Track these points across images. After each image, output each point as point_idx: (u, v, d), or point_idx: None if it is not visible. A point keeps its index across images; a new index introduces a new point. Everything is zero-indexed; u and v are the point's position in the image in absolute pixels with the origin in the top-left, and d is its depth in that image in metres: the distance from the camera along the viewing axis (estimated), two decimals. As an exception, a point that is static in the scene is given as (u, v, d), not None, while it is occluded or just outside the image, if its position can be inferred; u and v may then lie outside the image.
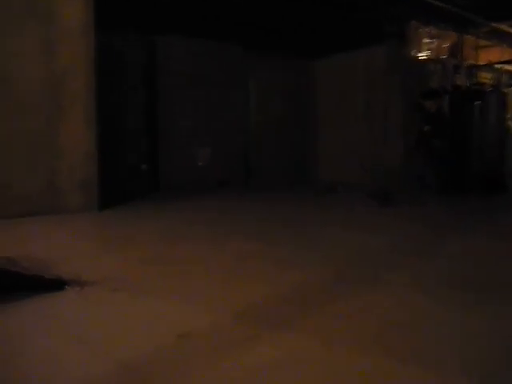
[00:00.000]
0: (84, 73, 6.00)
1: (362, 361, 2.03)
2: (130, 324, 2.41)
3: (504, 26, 8.94)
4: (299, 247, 4.11)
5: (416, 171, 8.18)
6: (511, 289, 3.04)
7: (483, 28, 9.08)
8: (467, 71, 9.32)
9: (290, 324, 2.39)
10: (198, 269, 3.42)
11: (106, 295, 2.83)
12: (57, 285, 2.86)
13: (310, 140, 10.73)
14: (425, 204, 6.80)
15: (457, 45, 9.20)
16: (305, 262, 3.61)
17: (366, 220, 5.59)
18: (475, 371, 1.94)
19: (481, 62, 9.61)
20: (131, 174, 8.05)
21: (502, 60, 9.64)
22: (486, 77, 9.66)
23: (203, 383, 1.85)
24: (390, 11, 7.95)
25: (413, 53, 8.78)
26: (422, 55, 8.83)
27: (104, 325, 2.38)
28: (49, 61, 5.76)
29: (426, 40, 8.79)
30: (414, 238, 4.53)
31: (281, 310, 2.60)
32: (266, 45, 9.14)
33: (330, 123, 10.36)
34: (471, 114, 7.88)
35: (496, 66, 9.70)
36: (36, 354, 2.04)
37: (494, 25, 8.81)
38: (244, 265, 3.53)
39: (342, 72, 10.00)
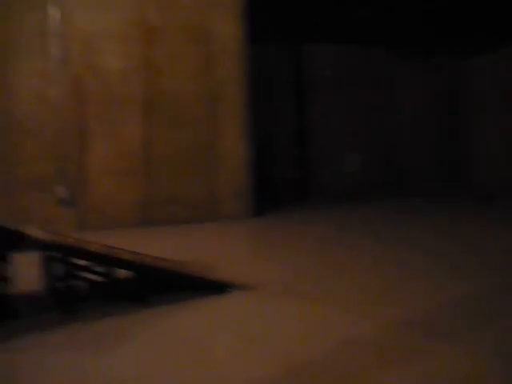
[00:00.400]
0: (238, 85, 6.29)
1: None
2: (294, 327, 2.43)
3: None
4: (463, 258, 3.86)
5: None
6: None
7: None
8: None
9: (459, 337, 2.24)
10: (352, 276, 3.38)
11: (267, 299, 2.90)
12: (221, 288, 3.00)
13: (463, 139, 10.09)
14: None
15: None
16: (471, 272, 3.38)
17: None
18: None
19: None
20: (283, 182, 8.24)
21: None
22: None
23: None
24: None
25: None
26: None
27: (268, 327, 2.44)
28: (208, 77, 6.13)
29: None
30: None
31: (446, 322, 2.45)
32: (411, 44, 8.81)
33: (488, 122, 9.65)
34: None
35: None
36: (215, 353, 2.15)
37: None
38: (404, 275, 3.40)
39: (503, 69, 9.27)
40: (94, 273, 2.99)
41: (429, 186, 9.41)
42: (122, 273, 2.95)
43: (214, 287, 2.98)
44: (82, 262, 2.82)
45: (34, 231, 2.66)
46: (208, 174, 6.18)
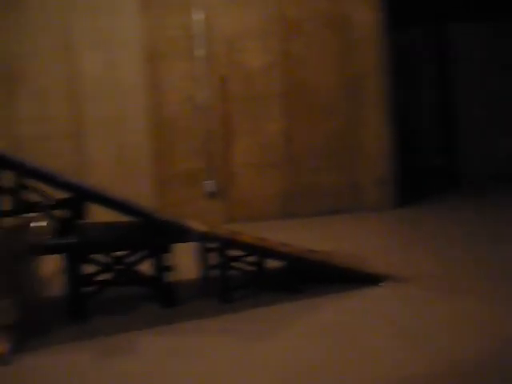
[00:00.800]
0: (379, 72, 6.12)
1: None
2: (453, 324, 2.33)
3: None
4: None
5: None
6: None
7: None
8: None
9: None
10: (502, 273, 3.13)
11: (420, 293, 2.81)
12: (372, 280, 2.96)
13: None
14: None
15: None
16: None
17: None
18: None
19: None
20: (427, 171, 7.88)
21: None
22: None
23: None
24: None
25: None
26: None
27: (427, 322, 2.36)
28: (348, 66, 6.06)
29: None
30: None
31: None
32: None
33: None
34: None
35: None
36: (375, 348, 2.13)
37: None
38: None
39: None
40: (247, 263, 3.12)
41: None
42: (274, 263, 3.04)
43: (365, 279, 2.95)
44: (236, 253, 2.95)
45: (193, 224, 2.84)
46: (349, 163, 6.10)
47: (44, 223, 2.79)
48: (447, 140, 8.08)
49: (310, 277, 3.06)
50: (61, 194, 2.77)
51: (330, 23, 5.99)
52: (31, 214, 2.85)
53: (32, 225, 2.82)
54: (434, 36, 8.18)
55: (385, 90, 6.14)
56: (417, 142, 7.85)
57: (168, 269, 2.76)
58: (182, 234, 2.70)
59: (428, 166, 7.87)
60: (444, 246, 3.97)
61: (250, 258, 3.14)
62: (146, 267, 2.85)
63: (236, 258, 3.01)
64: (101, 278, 2.82)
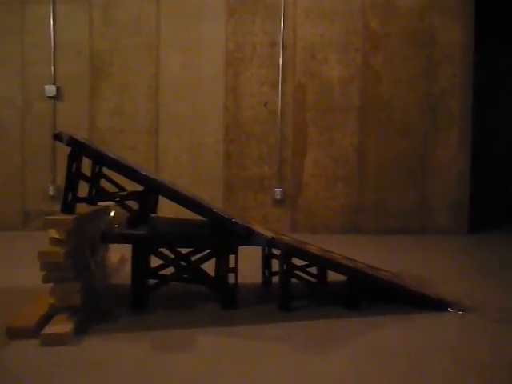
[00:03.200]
0: (462, 93, 5.93)
1: None
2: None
3: None
4: None
5: None
6: None
7: None
8: None
9: None
10: None
11: (487, 324, 2.66)
12: (440, 305, 2.84)
13: None
14: None
15: None
16: None
17: None
18: None
19: None
20: (502, 198, 7.52)
21: None
22: None
23: None
24: None
25: None
26: None
27: (491, 354, 2.23)
28: (428, 84, 5.90)
29: None
30: None
31: None
32: None
33: None
34: None
35: None
36: (431, 375, 2.04)
37: None
38: None
39: None
40: (310, 274, 3.08)
41: None
42: (336, 277, 2.99)
43: (432, 304, 2.84)
44: (299, 262, 2.92)
45: (259, 227, 2.84)
46: (422, 183, 5.93)
47: (117, 213, 2.88)
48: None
49: (372, 295, 2.98)
50: (135, 187, 2.84)
51: (414, 39, 5.88)
52: (105, 203, 2.96)
53: (105, 213, 2.92)
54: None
55: (466, 112, 5.94)
56: (496, 166, 7.51)
57: (231, 270, 2.77)
58: (248, 236, 2.70)
59: (505, 192, 7.51)
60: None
61: (313, 269, 3.11)
62: (210, 267, 2.87)
63: (299, 267, 2.98)
64: (165, 272, 2.87)
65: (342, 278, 2.92)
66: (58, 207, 2.70)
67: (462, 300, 2.99)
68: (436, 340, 2.41)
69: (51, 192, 5.74)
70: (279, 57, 5.81)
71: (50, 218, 2.46)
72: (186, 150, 5.86)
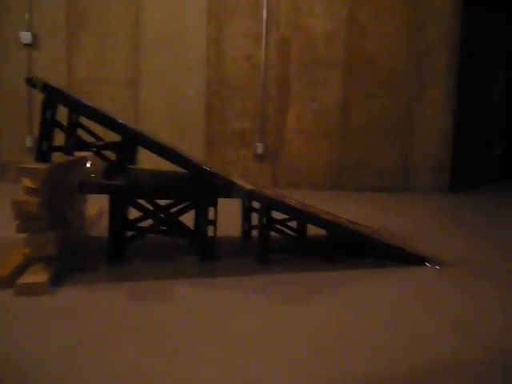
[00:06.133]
0: (447, 52, 5.86)
1: None
2: (491, 311, 2.22)
3: None
4: None
5: None
6: None
7: None
8: None
9: None
10: None
11: (464, 278, 2.70)
12: (418, 260, 2.87)
13: None
14: None
15: None
16: None
17: None
18: None
19: None
20: (483, 158, 7.57)
21: None
22: None
23: None
24: None
25: None
26: None
27: (469, 309, 2.26)
28: (415, 41, 5.81)
29: None
30: None
31: None
32: None
33: None
34: None
35: None
36: (412, 326, 2.06)
37: None
38: None
39: None
40: (289, 228, 3.07)
41: None
42: (316, 231, 2.99)
43: (409, 259, 2.86)
44: (279, 215, 2.90)
45: (240, 181, 2.80)
46: (406, 142, 5.93)
47: (94, 163, 2.81)
48: (508, 128, 7.71)
49: (352, 250, 3.00)
50: (113, 137, 2.77)
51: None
52: (82, 153, 2.88)
53: (82, 163, 2.85)
54: (509, 21, 7.73)
55: (451, 71, 5.88)
56: (478, 127, 7.51)
57: (211, 223, 2.75)
58: (228, 188, 2.66)
59: (486, 154, 7.56)
60: (491, 235, 3.83)
61: (293, 223, 3.10)
62: (188, 220, 2.84)
63: (278, 221, 2.96)
64: (144, 224, 2.83)
65: (321, 232, 2.92)
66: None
67: (440, 255, 3.02)
68: (413, 292, 2.43)
69: (28, 143, 5.61)
70: (263, 8, 5.65)
71: (23, 166, 2.39)
72: (167, 103, 5.74)
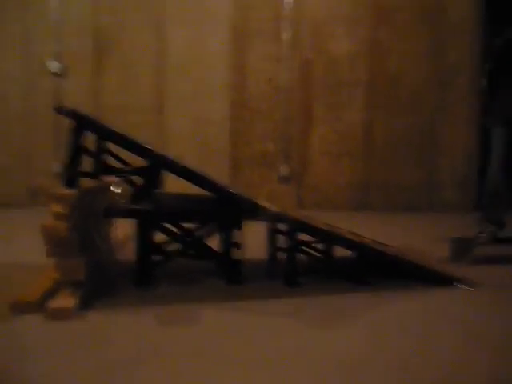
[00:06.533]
0: (471, 69, 5.82)
1: None
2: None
3: None
4: None
5: None
6: None
7: None
8: None
9: None
10: None
11: (495, 299, 2.63)
12: (448, 281, 2.81)
13: None
14: None
15: None
16: None
17: None
18: None
19: None
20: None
21: None
22: None
23: None
24: None
25: None
26: None
27: (501, 331, 2.20)
28: (437, 60, 5.79)
29: None
30: None
31: None
32: None
33: None
34: None
35: None
36: (439, 349, 2.02)
37: None
38: None
39: None
40: (316, 250, 3.05)
41: None
42: (343, 253, 2.96)
43: (439, 280, 2.81)
44: (306, 237, 2.89)
45: (265, 203, 2.80)
46: (430, 160, 5.86)
47: (121, 188, 2.85)
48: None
49: (379, 271, 2.95)
50: (140, 162, 2.81)
51: (423, 14, 5.75)
52: (110, 178, 2.92)
53: (109, 188, 2.89)
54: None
55: (476, 89, 5.84)
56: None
57: (237, 245, 2.74)
58: (253, 211, 2.66)
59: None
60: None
61: (319, 245, 3.07)
62: (215, 243, 2.84)
63: (305, 243, 2.95)
64: (170, 248, 2.84)
65: (348, 253, 2.89)
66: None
67: (469, 276, 2.96)
68: (445, 315, 2.38)
69: (55, 169, 5.71)
70: (285, 31, 5.70)
71: (53, 192, 2.43)
72: (192, 128, 5.80)
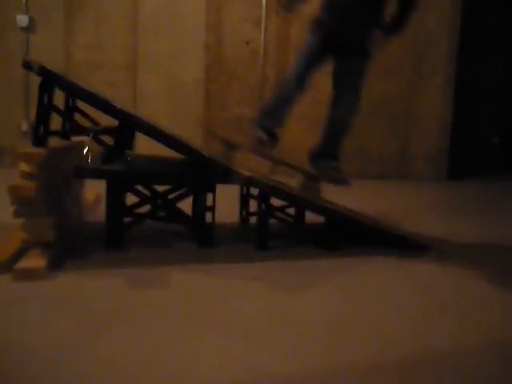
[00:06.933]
0: (447, 39, 5.83)
1: None
2: (486, 299, 2.22)
3: None
4: None
5: None
6: None
7: None
8: None
9: None
10: None
11: (461, 265, 2.70)
12: (416, 247, 2.87)
13: None
14: None
15: None
16: None
17: None
18: None
19: None
20: (481, 147, 7.54)
21: None
22: None
23: None
24: None
25: None
26: None
27: (464, 295, 2.26)
28: (414, 28, 5.76)
29: None
30: None
31: None
32: None
33: None
34: None
35: None
36: (410, 312, 2.06)
37: None
38: None
39: None
40: (287, 215, 3.06)
41: None
42: (314, 218, 2.98)
43: (408, 246, 2.86)
44: (278, 202, 2.89)
45: (239, 166, 2.78)
46: (403, 130, 5.91)
47: (91, 148, 2.79)
48: (509, 117, 7.69)
49: (350, 237, 2.99)
50: (110, 122, 2.75)
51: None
52: (79, 138, 2.86)
53: (79, 148, 2.83)
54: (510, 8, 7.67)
55: (451, 58, 5.85)
56: (477, 115, 7.49)
57: (209, 209, 2.73)
58: (226, 174, 2.65)
59: (484, 143, 7.54)
60: (491, 221, 3.85)
61: (291, 210, 3.09)
62: (186, 206, 2.83)
63: (277, 208, 2.96)
64: (141, 210, 2.81)
65: (320, 219, 2.91)
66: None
67: (438, 242, 3.03)
68: (410, 280, 2.43)
69: (24, 128, 5.56)
70: (263, -8, 5.59)
71: (20, 151, 2.37)
72: (165, 89, 5.69)
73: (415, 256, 2.79)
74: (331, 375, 1.53)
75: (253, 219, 3.06)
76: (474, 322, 1.97)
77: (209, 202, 2.74)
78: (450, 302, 2.19)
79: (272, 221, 2.86)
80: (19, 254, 2.35)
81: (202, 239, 2.77)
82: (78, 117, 2.83)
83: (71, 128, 2.74)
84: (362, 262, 2.69)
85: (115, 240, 2.67)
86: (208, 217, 2.75)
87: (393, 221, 3.48)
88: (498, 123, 7.72)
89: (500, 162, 7.52)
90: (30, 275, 2.19)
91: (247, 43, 5.65)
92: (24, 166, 2.33)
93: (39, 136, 2.49)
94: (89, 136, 2.73)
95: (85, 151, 2.75)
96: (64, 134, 2.72)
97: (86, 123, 2.85)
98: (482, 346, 1.78)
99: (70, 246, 2.61)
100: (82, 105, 2.73)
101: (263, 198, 2.76)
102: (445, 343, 1.78)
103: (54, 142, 2.62)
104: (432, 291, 2.30)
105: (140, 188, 2.76)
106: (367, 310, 2.04)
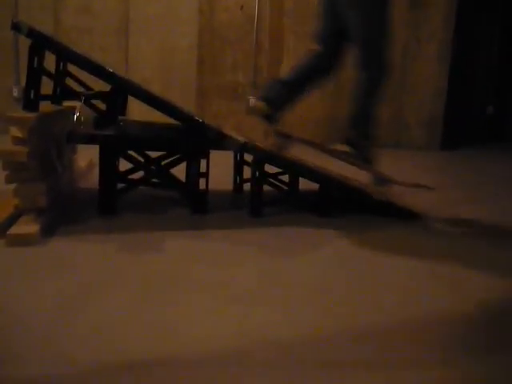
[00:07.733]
0: (445, 5, 5.74)
1: None
2: (478, 268, 2.24)
3: None
4: None
5: None
6: None
7: None
8: None
9: None
10: None
11: (454, 234, 2.72)
12: (410, 216, 2.88)
13: None
14: None
15: None
16: None
17: None
18: None
19: None
20: (476, 116, 7.52)
21: None
22: None
23: None
24: None
25: None
26: None
27: (456, 264, 2.28)
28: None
29: None
30: None
31: None
32: None
33: None
34: None
35: None
36: (398, 279, 2.08)
37: None
38: None
39: None
40: (282, 182, 3.06)
41: None
42: (309, 185, 2.98)
43: (402, 214, 2.87)
44: (272, 168, 2.88)
45: (233, 132, 2.76)
46: (398, 98, 5.87)
47: (83, 113, 2.75)
48: (504, 86, 7.65)
49: (344, 204, 2.99)
50: (103, 87, 2.71)
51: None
52: (71, 103, 2.82)
53: (71, 113, 2.79)
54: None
55: (448, 26, 5.78)
56: (472, 84, 7.45)
57: (202, 175, 2.72)
58: (220, 140, 2.63)
59: (479, 112, 7.51)
60: (483, 191, 3.86)
61: (285, 177, 3.09)
62: (180, 172, 2.81)
63: (271, 175, 2.95)
64: (134, 176, 2.80)
65: (314, 186, 2.91)
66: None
67: (432, 211, 3.04)
68: (404, 248, 2.45)
69: (15, 93, 5.48)
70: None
71: (10, 115, 2.33)
72: (158, 54, 5.60)
73: (409, 224, 2.80)
74: (322, 340, 1.54)
75: (247, 186, 3.05)
76: (464, 290, 1.99)
77: (202, 169, 2.72)
78: (442, 270, 2.20)
79: (266, 188, 2.86)
80: (12, 220, 2.33)
81: (196, 205, 2.76)
82: (69, 81, 2.78)
83: (62, 92, 2.70)
84: (355, 229, 2.70)
85: (108, 206, 2.66)
86: (202, 183, 2.74)
87: (386, 189, 3.48)
88: (493, 92, 7.68)
89: (493, 131, 7.51)
90: (22, 241, 2.18)
91: (241, 8, 5.54)
92: (15, 131, 2.30)
93: (30, 100, 2.45)
94: (80, 101, 2.69)
95: (76, 116, 2.71)
96: (55, 99, 2.68)
97: (77, 88, 2.80)
98: (473, 313, 1.80)
99: (62, 211, 2.60)
100: (73, 69, 2.68)
101: (257, 165, 2.75)
102: (437, 311, 1.80)
103: (45, 106, 2.57)
104: (424, 260, 2.31)
105: (133, 154, 2.74)
106: (359, 278, 2.05)
